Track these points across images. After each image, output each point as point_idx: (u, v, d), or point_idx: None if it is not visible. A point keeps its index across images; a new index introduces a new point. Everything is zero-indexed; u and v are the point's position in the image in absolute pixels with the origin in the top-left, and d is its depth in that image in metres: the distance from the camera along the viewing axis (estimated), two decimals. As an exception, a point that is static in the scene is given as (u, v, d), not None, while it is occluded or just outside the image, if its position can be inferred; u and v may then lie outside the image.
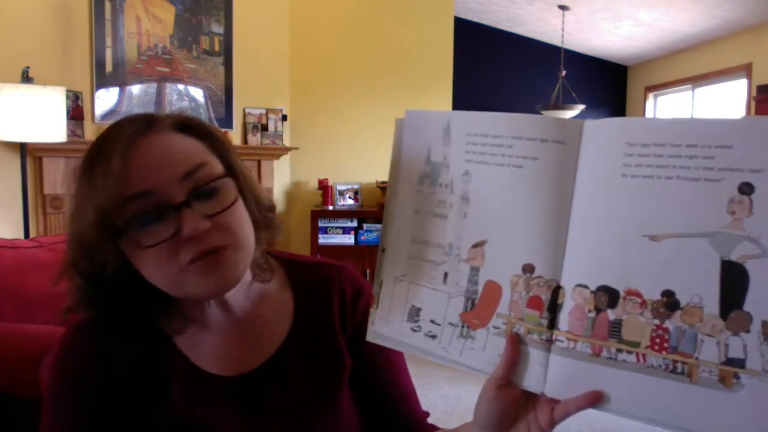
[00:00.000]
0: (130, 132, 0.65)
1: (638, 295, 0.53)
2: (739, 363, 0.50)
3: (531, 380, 0.58)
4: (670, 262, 0.52)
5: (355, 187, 4.59)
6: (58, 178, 3.23)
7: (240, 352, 0.75)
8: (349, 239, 4.32)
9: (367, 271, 4.21)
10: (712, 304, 0.50)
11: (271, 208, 0.77)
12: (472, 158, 0.62)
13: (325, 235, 4.26)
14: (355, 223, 4.35)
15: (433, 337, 0.64)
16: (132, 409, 0.69)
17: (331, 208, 4.41)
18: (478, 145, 0.61)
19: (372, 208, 4.54)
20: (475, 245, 0.62)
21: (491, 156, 0.61)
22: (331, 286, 0.82)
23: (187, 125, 0.70)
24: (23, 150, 2.89)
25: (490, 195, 0.61)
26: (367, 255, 4.28)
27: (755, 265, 0.49)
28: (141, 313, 0.72)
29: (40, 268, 2.39)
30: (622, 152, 0.54)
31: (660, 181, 0.52)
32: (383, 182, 4.48)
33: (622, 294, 0.54)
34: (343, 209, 4.41)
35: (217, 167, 0.69)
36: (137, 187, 0.62)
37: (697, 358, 0.51)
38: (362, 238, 4.34)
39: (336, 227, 4.32)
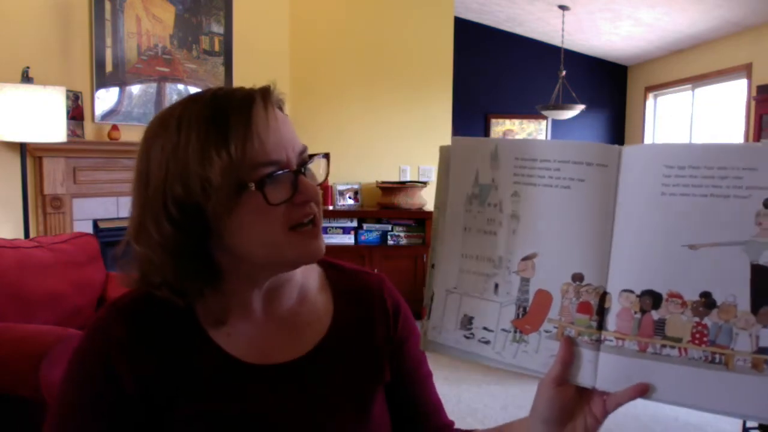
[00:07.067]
0: (256, 103, 0.70)
1: (679, 297, 0.61)
2: None
3: (584, 377, 0.66)
4: (707, 268, 0.60)
5: (355, 187, 4.59)
6: (58, 178, 3.22)
7: (276, 344, 0.77)
8: (349, 239, 4.33)
9: (367, 271, 4.21)
10: (744, 302, 0.58)
11: None
12: (521, 180, 0.69)
13: (325, 235, 4.22)
14: (355, 223, 4.35)
15: (487, 342, 0.70)
16: (149, 398, 0.70)
17: (331, 208, 4.41)
18: (527, 168, 0.68)
19: (372, 208, 4.54)
20: (525, 258, 0.68)
21: (539, 178, 0.67)
22: (372, 294, 0.85)
23: (281, 106, 0.75)
24: (23, 150, 2.90)
25: (539, 213, 0.68)
26: (367, 255, 4.28)
27: None
28: (192, 296, 0.72)
29: (40, 268, 2.40)
30: (662, 173, 0.61)
31: (696, 198, 0.60)
32: (383, 182, 4.48)
33: (664, 297, 0.61)
34: (343, 209, 4.41)
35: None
36: (272, 156, 0.69)
37: (732, 349, 0.59)
38: (362, 238, 4.34)
39: (336, 227, 4.32)
